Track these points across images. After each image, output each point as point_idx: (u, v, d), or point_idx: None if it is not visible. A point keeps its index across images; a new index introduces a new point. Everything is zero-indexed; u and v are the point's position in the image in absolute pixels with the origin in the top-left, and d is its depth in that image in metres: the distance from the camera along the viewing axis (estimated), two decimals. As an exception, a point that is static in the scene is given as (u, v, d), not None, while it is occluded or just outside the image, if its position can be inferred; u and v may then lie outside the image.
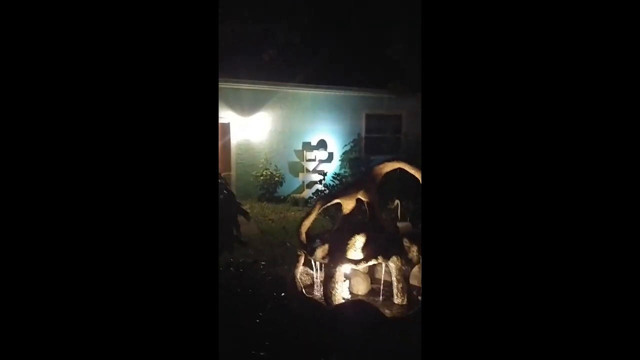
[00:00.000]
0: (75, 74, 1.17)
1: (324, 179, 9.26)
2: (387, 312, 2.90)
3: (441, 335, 1.25)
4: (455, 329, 1.23)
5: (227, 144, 9.39)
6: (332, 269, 3.02)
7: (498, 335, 1.21)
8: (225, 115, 9.10)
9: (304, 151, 9.68)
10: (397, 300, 3.07)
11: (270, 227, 6.33)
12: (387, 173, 3.30)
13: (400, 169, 3.22)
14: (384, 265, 3.16)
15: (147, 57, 1.23)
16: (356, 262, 2.98)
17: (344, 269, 3.07)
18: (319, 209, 3.20)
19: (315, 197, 7.74)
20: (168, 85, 1.25)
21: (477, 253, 1.23)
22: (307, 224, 3.17)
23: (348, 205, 3.35)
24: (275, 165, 9.40)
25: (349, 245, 3.06)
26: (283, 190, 9.36)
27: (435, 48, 1.30)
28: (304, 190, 9.54)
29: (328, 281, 3.03)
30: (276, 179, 9.19)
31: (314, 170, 9.59)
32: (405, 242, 3.12)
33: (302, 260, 3.18)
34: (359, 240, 3.09)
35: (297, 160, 9.81)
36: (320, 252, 3.11)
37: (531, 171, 1.21)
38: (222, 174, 9.39)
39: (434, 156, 1.31)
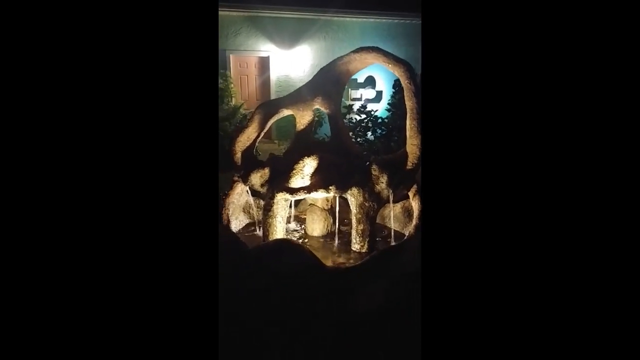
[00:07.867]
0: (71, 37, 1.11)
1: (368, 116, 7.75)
2: (329, 260, 2.11)
3: (441, 335, 1.21)
4: (455, 329, 1.19)
5: (267, 80, 8.77)
6: (269, 199, 2.28)
7: (498, 335, 1.15)
8: (265, 48, 8.41)
9: (349, 89, 8.68)
10: (354, 246, 2.26)
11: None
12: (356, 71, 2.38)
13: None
14: (337, 198, 2.34)
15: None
16: (293, 191, 2.19)
17: (288, 199, 2.31)
18: (259, 120, 2.42)
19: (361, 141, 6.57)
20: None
21: (477, 247, 1.17)
22: (242, 139, 2.41)
23: (303, 117, 2.53)
24: (317, 104, 8.57)
25: (294, 171, 2.28)
26: (323, 131, 8.55)
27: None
28: (346, 132, 8.62)
29: (265, 214, 2.30)
30: (316, 119, 8.37)
31: (359, 110, 8.55)
32: (374, 171, 2.24)
33: (237, 188, 2.46)
34: (309, 165, 2.29)
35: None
36: (258, 177, 2.36)
37: (534, 165, 1.13)
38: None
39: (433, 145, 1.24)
